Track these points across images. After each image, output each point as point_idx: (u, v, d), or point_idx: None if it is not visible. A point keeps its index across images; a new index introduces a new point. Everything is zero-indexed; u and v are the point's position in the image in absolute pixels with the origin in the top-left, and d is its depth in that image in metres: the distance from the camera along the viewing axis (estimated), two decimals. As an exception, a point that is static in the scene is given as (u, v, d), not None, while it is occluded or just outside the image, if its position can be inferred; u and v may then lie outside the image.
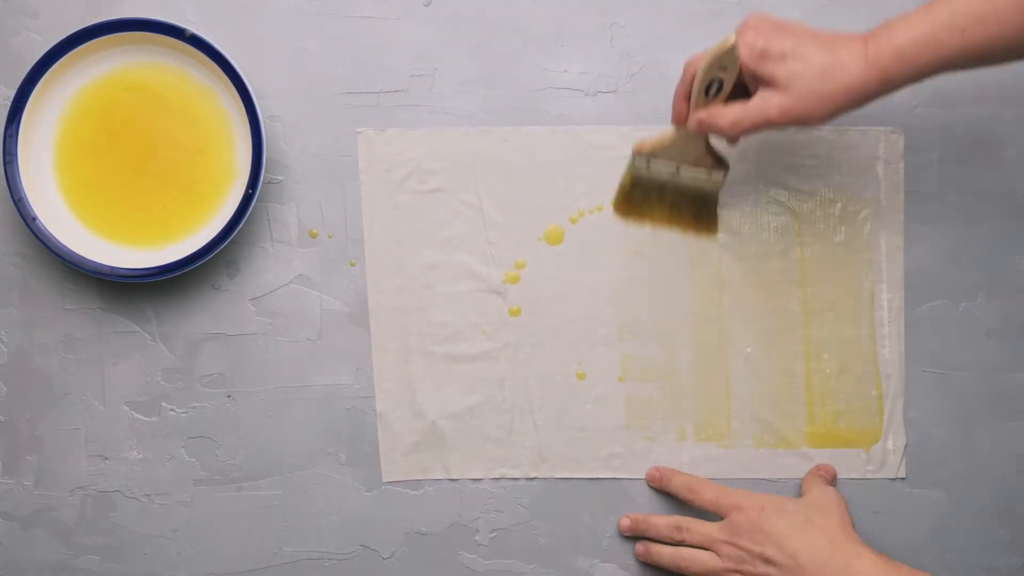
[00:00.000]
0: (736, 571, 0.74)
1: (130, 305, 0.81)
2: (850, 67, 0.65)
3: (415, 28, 0.81)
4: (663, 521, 0.79)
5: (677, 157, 0.77)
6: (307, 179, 0.81)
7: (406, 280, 0.81)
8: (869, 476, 0.81)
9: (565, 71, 0.81)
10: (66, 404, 0.81)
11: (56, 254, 0.77)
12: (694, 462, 0.81)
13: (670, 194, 0.79)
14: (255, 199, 0.77)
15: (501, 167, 0.81)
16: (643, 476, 0.81)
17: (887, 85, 0.66)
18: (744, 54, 0.67)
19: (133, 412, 0.81)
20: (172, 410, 0.81)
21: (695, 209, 0.80)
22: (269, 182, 0.80)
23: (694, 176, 0.78)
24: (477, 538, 0.81)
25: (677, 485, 0.79)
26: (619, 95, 0.81)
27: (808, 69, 0.65)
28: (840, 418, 0.81)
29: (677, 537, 0.78)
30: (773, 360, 0.81)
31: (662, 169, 0.78)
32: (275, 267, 0.81)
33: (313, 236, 0.81)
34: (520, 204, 0.81)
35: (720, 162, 0.78)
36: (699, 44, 0.77)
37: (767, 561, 0.73)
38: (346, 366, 0.81)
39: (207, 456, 0.81)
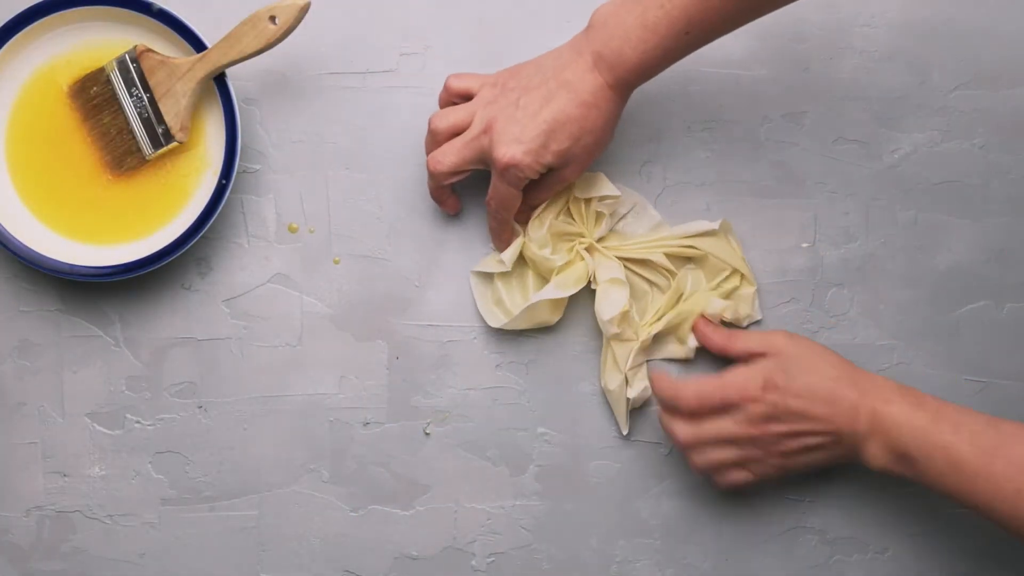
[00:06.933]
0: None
1: (92, 307, 0.80)
2: (602, 108, 0.71)
3: (405, 2, 0.80)
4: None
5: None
6: (287, 168, 0.80)
7: None
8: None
9: (571, 49, 0.81)
10: (21, 416, 0.80)
11: (11, 251, 0.76)
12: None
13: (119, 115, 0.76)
14: (229, 190, 0.76)
15: None
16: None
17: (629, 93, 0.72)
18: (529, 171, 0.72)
19: (95, 424, 0.80)
20: (138, 422, 0.80)
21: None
22: (245, 171, 0.80)
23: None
24: (473, 563, 0.81)
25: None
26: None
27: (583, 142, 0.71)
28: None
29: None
30: None
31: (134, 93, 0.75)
32: (251, 265, 0.80)
33: (293, 231, 0.80)
34: None
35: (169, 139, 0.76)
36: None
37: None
38: (329, 374, 0.80)
39: (176, 473, 0.80)
